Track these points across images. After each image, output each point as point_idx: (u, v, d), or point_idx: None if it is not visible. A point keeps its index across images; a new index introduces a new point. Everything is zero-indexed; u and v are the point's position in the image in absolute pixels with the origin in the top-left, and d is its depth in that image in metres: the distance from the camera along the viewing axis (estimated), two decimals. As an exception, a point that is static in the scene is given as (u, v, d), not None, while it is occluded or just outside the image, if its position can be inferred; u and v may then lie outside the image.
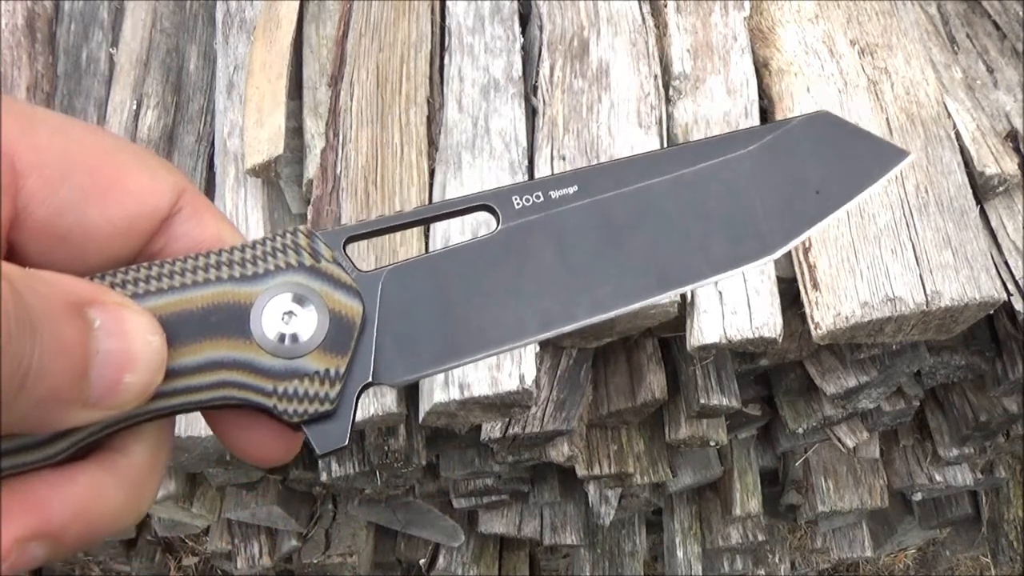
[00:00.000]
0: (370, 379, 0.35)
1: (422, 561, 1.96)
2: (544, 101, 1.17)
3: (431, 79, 1.20)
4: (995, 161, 1.16)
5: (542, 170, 1.12)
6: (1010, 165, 1.17)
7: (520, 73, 1.18)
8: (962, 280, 1.07)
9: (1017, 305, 1.15)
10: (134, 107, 1.30)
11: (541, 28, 1.22)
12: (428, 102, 1.18)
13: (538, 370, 1.04)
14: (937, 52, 1.27)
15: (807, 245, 1.10)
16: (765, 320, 1.07)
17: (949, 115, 1.19)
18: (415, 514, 1.81)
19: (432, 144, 1.16)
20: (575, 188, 0.38)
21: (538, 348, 1.05)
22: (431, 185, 1.12)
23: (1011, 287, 1.15)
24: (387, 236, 1.10)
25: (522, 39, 1.23)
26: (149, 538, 2.10)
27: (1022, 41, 1.31)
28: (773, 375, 1.57)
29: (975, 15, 1.36)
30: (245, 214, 1.20)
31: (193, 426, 1.15)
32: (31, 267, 0.28)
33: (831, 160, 0.40)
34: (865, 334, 1.10)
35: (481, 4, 1.23)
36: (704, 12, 1.25)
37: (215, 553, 1.90)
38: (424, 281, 0.36)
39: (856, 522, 2.06)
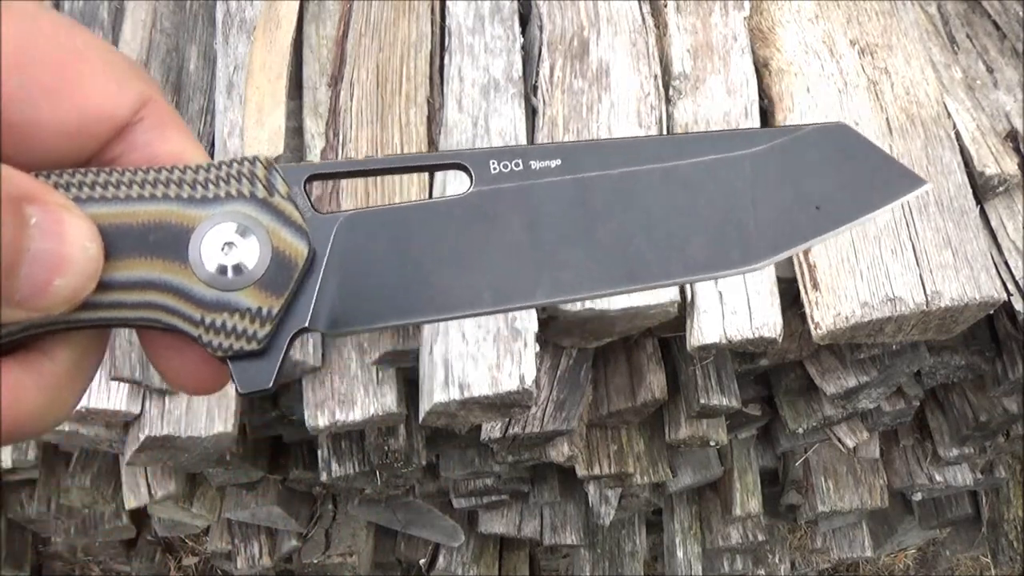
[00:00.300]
0: (307, 324, 0.33)
1: (422, 561, 1.96)
2: (544, 101, 1.17)
3: (431, 79, 1.20)
4: (995, 161, 1.16)
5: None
6: (1010, 165, 1.17)
7: (520, 73, 1.18)
8: (962, 280, 1.07)
9: (1017, 305, 1.15)
10: (134, 107, 1.30)
11: (541, 28, 1.22)
12: (428, 102, 1.18)
13: (538, 370, 1.04)
14: (937, 52, 1.27)
15: (807, 245, 1.09)
16: (765, 320, 1.07)
17: (949, 115, 1.19)
18: (415, 514, 1.81)
19: (432, 144, 1.16)
20: (558, 161, 0.36)
21: (538, 348, 1.05)
22: (431, 185, 1.12)
23: (1011, 287, 1.15)
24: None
25: (522, 39, 1.23)
26: (149, 538, 2.10)
27: (1022, 41, 1.31)
28: (773, 375, 1.57)
29: (975, 15, 1.36)
30: (245, 214, 1.20)
31: (193, 426, 1.15)
32: None
33: (839, 176, 0.37)
34: (865, 334, 1.10)
35: (481, 4, 1.23)
36: (704, 12, 1.25)
37: (215, 553, 1.90)
38: (382, 232, 0.35)
39: (856, 522, 2.06)
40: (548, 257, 0.35)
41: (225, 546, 1.83)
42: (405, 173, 0.37)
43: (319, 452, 1.43)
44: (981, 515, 2.09)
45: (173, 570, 2.21)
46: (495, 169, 0.36)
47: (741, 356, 1.43)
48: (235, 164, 0.33)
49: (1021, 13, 1.34)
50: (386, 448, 1.38)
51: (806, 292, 1.09)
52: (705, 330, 1.08)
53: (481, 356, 1.03)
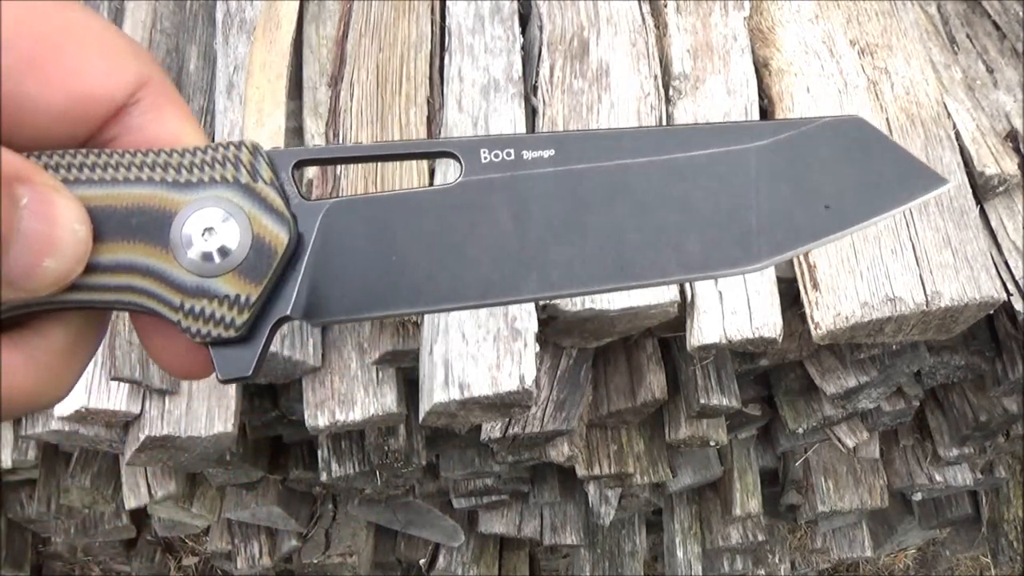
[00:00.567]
0: (288, 313, 0.33)
1: (422, 561, 1.96)
2: (544, 101, 1.17)
3: (431, 79, 1.20)
4: (995, 161, 1.16)
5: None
6: (1010, 165, 1.17)
7: (520, 73, 1.18)
8: (962, 280, 1.07)
9: (1017, 305, 1.15)
10: (134, 107, 1.30)
11: (541, 28, 1.22)
12: (428, 102, 1.18)
13: (538, 370, 1.04)
14: (937, 52, 1.27)
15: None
16: (765, 320, 1.07)
17: (949, 115, 1.19)
18: (415, 514, 1.81)
19: (432, 144, 1.16)
20: (551, 152, 0.35)
21: (538, 348, 1.05)
22: (431, 177, 1.12)
23: (1011, 287, 1.15)
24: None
25: (522, 39, 1.23)
26: (149, 538, 2.10)
27: (1022, 41, 1.31)
28: (773, 375, 1.57)
29: (975, 15, 1.36)
30: (245, 214, 1.20)
31: (193, 426, 1.15)
32: None
33: (852, 174, 0.35)
34: (865, 334, 1.10)
35: (481, 4, 1.23)
36: (704, 12, 1.25)
37: (215, 553, 1.90)
38: (369, 221, 0.34)
39: (856, 522, 2.06)
40: (538, 251, 0.34)
41: (225, 546, 1.83)
42: (394, 160, 0.36)
43: (319, 452, 1.43)
44: (981, 515, 2.09)
45: (173, 570, 2.21)
46: (486, 158, 0.35)
47: (741, 356, 1.43)
48: (220, 148, 0.32)
49: (1021, 13, 1.34)
50: (386, 448, 1.38)
51: (806, 292, 1.09)
52: (705, 330, 1.08)
53: (481, 356, 1.03)
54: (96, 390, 1.14)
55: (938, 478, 1.82)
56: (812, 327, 1.07)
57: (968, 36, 1.34)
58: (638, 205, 0.34)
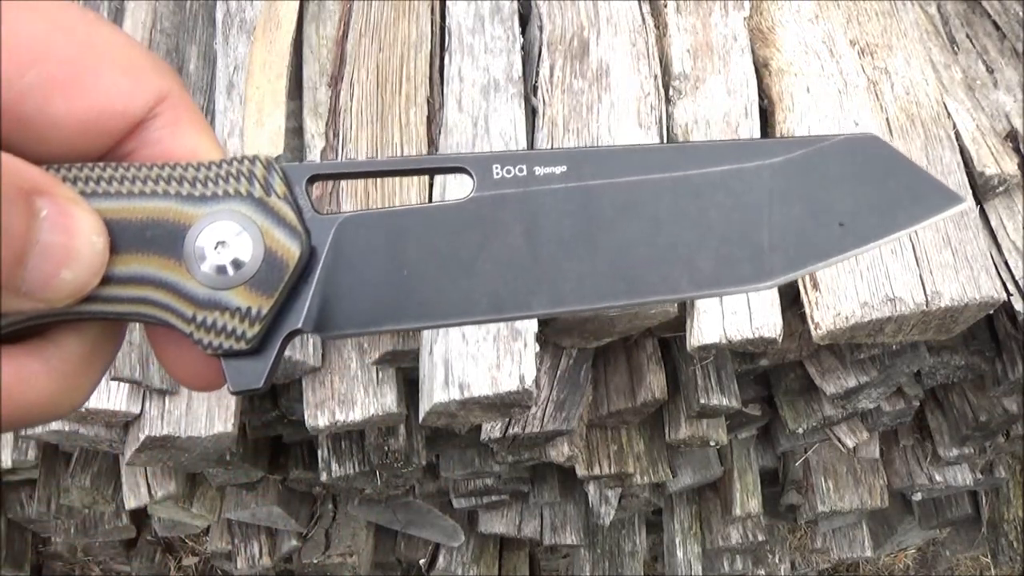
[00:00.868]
0: (300, 326, 0.33)
1: (422, 561, 1.96)
2: (544, 101, 1.17)
3: (431, 79, 1.20)
4: (995, 161, 1.16)
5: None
6: (1010, 165, 1.17)
7: (520, 73, 1.18)
8: (962, 280, 1.07)
9: (1017, 305, 1.15)
10: (134, 107, 1.30)
11: (541, 28, 1.22)
12: (428, 102, 1.18)
13: (538, 370, 1.04)
14: (937, 52, 1.27)
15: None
16: (765, 320, 1.07)
17: (949, 115, 1.19)
18: (415, 514, 1.81)
19: (432, 144, 1.16)
20: (563, 168, 0.35)
21: (538, 348, 1.05)
22: (431, 185, 1.12)
23: (1011, 287, 1.15)
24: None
25: (522, 39, 1.23)
26: (149, 538, 2.10)
27: (1022, 41, 1.31)
28: (773, 375, 1.57)
29: (975, 15, 1.36)
30: (245, 214, 1.20)
31: (193, 426, 1.15)
32: None
33: (867, 192, 0.35)
34: (865, 334, 1.10)
35: (481, 4, 1.23)
36: (704, 12, 1.25)
37: (215, 553, 1.90)
38: (380, 235, 0.34)
39: (856, 522, 2.06)
40: (548, 267, 0.34)
41: (225, 546, 1.83)
42: (408, 175, 0.36)
43: (319, 452, 1.43)
44: (981, 515, 2.10)
45: (173, 570, 2.21)
46: (498, 174, 0.35)
47: (741, 356, 1.43)
48: (235, 163, 0.33)
49: (1021, 13, 1.34)
50: (386, 448, 1.38)
51: (806, 292, 1.09)
52: (705, 330, 1.08)
53: (481, 356, 1.03)
54: (96, 390, 1.14)
55: (938, 478, 1.82)
56: (812, 327, 1.08)
57: (968, 36, 1.34)
58: (650, 221, 0.34)
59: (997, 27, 1.34)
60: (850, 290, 1.07)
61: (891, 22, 1.24)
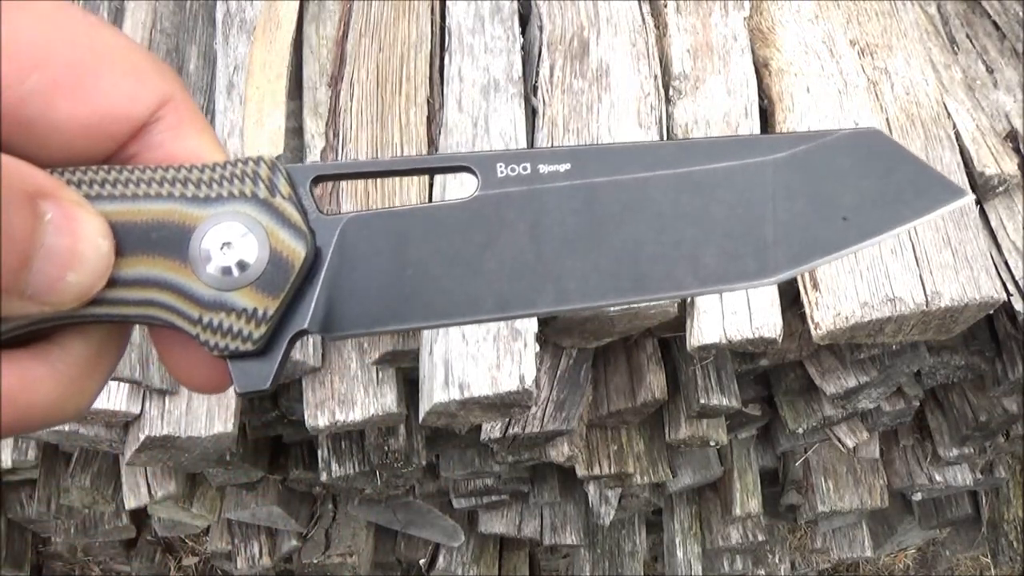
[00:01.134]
0: (306, 327, 0.33)
1: (422, 561, 1.96)
2: (544, 101, 1.17)
3: (431, 79, 1.20)
4: (995, 161, 1.16)
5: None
6: (1010, 165, 1.17)
7: (520, 73, 1.18)
8: (962, 280, 1.07)
9: (1017, 305, 1.15)
10: (134, 107, 1.30)
11: (541, 28, 1.22)
12: (428, 102, 1.18)
13: (538, 370, 1.04)
14: (937, 52, 1.27)
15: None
16: (765, 320, 1.07)
17: (949, 115, 1.19)
18: (415, 514, 1.81)
19: (432, 144, 1.16)
20: (568, 166, 0.35)
21: (538, 348, 1.05)
22: (431, 185, 1.12)
23: (1011, 287, 1.15)
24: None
25: (522, 39, 1.23)
26: (149, 538, 2.10)
27: (1022, 41, 1.31)
28: (773, 375, 1.57)
29: (975, 15, 1.36)
30: (245, 214, 1.20)
31: (193, 426, 1.15)
32: None
33: (870, 186, 0.35)
34: (865, 334, 1.10)
35: (481, 4, 1.23)
36: (704, 12, 1.25)
37: (215, 553, 1.90)
38: (385, 235, 0.34)
39: (856, 522, 2.06)
40: (554, 264, 0.34)
41: (225, 546, 1.83)
42: (412, 175, 0.36)
43: (319, 452, 1.43)
44: (981, 515, 2.10)
45: (173, 570, 2.21)
46: (502, 173, 0.35)
47: (741, 356, 1.43)
48: (239, 164, 0.33)
49: (1021, 13, 1.34)
50: (386, 448, 1.38)
51: (806, 292, 1.09)
52: (705, 330, 1.08)
53: (481, 356, 1.03)
54: (96, 390, 1.14)
55: (938, 478, 1.82)
56: (812, 327, 1.08)
57: (968, 36, 1.34)
58: (655, 218, 0.34)
59: (997, 27, 1.34)
60: (850, 290, 1.07)
61: (891, 22, 1.24)
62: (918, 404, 1.60)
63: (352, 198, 1.12)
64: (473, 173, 0.35)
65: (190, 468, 1.44)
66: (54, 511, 1.71)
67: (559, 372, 1.30)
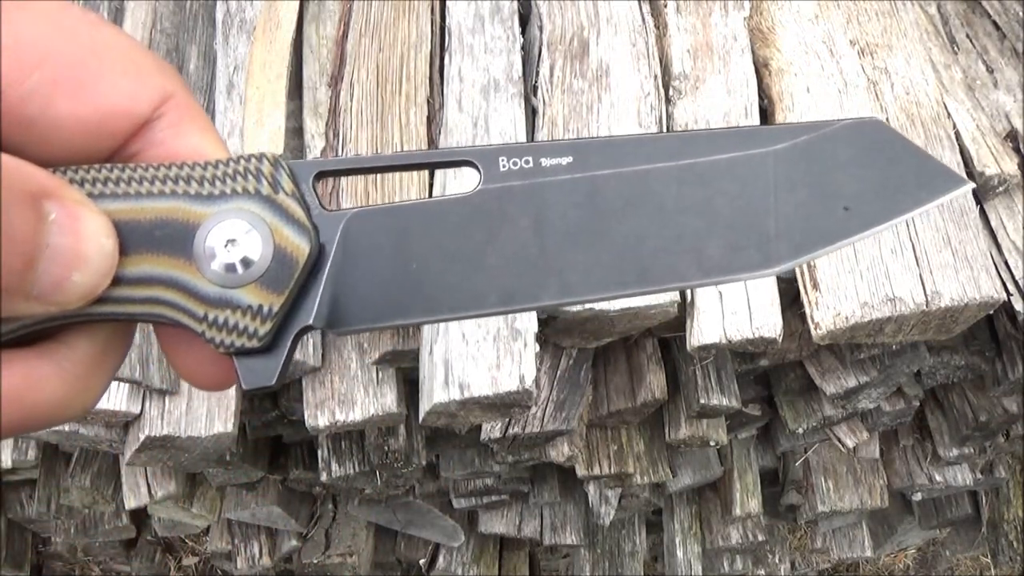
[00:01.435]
0: (311, 323, 0.33)
1: (422, 561, 1.96)
2: (544, 101, 1.17)
3: (431, 79, 1.20)
4: (995, 161, 1.16)
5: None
6: (1010, 165, 1.17)
7: (520, 73, 1.18)
8: (962, 280, 1.07)
9: (1017, 305, 1.15)
10: (134, 107, 1.30)
11: (541, 28, 1.22)
12: (428, 102, 1.18)
13: (538, 370, 1.04)
14: (937, 52, 1.27)
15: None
16: (765, 320, 1.07)
17: (949, 115, 1.19)
18: (415, 514, 1.81)
19: (432, 144, 1.16)
20: (569, 159, 0.35)
21: (538, 348, 1.05)
22: (431, 185, 1.12)
23: (1011, 287, 1.15)
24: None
25: (522, 39, 1.23)
26: (149, 538, 2.10)
27: (1022, 41, 1.31)
28: (773, 375, 1.57)
29: (975, 15, 1.36)
30: (245, 214, 1.20)
31: (193, 426, 1.15)
32: None
33: (871, 175, 0.35)
34: (865, 334, 1.10)
35: (481, 4, 1.23)
36: (704, 12, 1.25)
37: (215, 553, 1.90)
38: (388, 231, 0.34)
39: (856, 522, 2.06)
40: (557, 257, 0.34)
41: (225, 546, 1.83)
42: (414, 170, 0.36)
43: (319, 452, 1.43)
44: (981, 515, 2.09)
45: (173, 570, 2.21)
46: (504, 166, 0.35)
47: (741, 356, 1.43)
48: (242, 161, 0.33)
49: (1021, 13, 1.34)
50: (386, 448, 1.38)
51: (806, 292, 1.09)
52: (705, 330, 1.08)
53: (481, 356, 1.03)
54: (96, 390, 1.14)
55: (938, 478, 1.82)
56: (812, 327, 1.08)
57: (968, 36, 1.34)
58: (657, 210, 0.34)
59: (997, 27, 1.34)
60: (850, 290, 1.07)
61: (891, 22, 1.24)
62: (918, 404, 1.60)
63: (352, 197, 1.12)
64: (475, 167, 0.35)
65: (190, 468, 1.44)
66: (54, 511, 1.71)
67: (559, 372, 1.30)
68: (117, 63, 0.32)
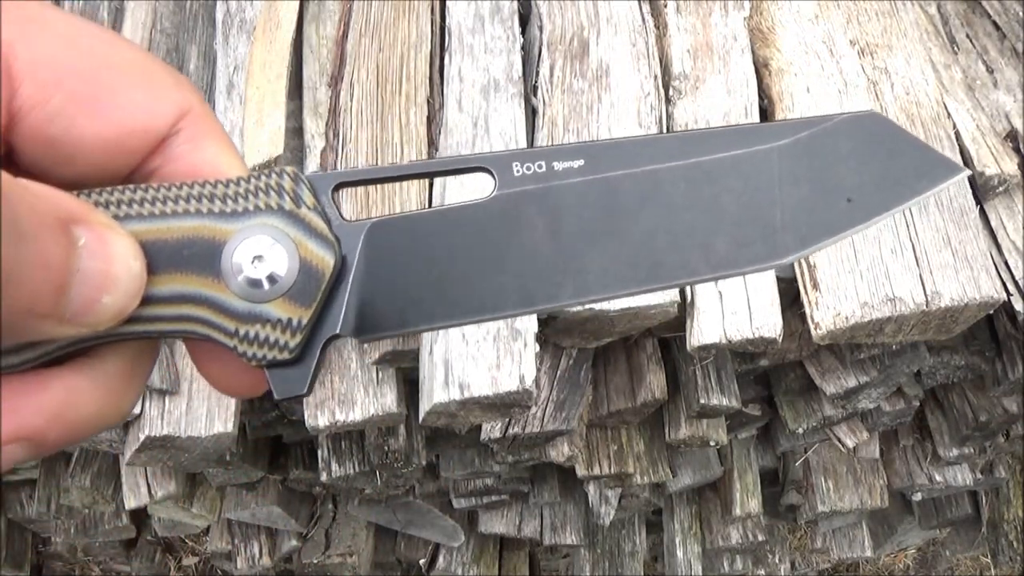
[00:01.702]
0: (338, 331, 0.34)
1: (422, 561, 1.96)
2: (544, 101, 1.17)
3: (431, 79, 1.20)
4: (995, 161, 1.16)
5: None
6: (1010, 165, 1.17)
7: (520, 73, 1.18)
8: (962, 280, 1.07)
9: (1017, 305, 1.15)
10: (134, 107, 1.30)
11: (541, 28, 1.22)
12: (428, 102, 1.18)
13: (538, 370, 1.04)
14: (937, 52, 1.27)
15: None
16: (765, 320, 1.07)
17: (949, 115, 1.19)
18: (415, 514, 1.81)
19: (432, 144, 1.16)
20: (581, 162, 0.36)
21: (538, 348, 1.05)
22: (431, 185, 1.12)
23: (1011, 287, 1.15)
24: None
25: (522, 39, 1.23)
26: (149, 538, 2.10)
27: (1022, 41, 1.31)
28: (773, 375, 1.57)
29: (975, 15, 1.36)
30: (245, 214, 1.20)
31: (193, 426, 1.15)
32: (22, 173, 0.27)
33: (872, 167, 0.36)
34: (865, 334, 1.10)
35: (481, 4, 1.23)
36: (704, 12, 1.25)
37: (215, 553, 1.90)
38: (408, 238, 0.35)
39: (856, 522, 2.06)
40: (573, 257, 0.35)
41: (225, 546, 1.83)
42: (431, 178, 0.37)
43: (319, 452, 1.43)
44: (981, 515, 2.09)
45: (173, 570, 2.21)
46: (518, 171, 0.36)
47: (741, 356, 1.43)
48: (263, 177, 0.34)
49: (1021, 13, 1.34)
50: (386, 448, 1.38)
51: (806, 292, 1.09)
52: (705, 330, 1.08)
53: (481, 356, 1.03)
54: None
55: (938, 478, 1.82)
56: (812, 327, 1.08)
57: (968, 36, 1.34)
58: (667, 208, 0.36)
59: (997, 27, 1.34)
60: (850, 290, 1.07)
61: (891, 22, 1.24)
62: (918, 404, 1.60)
63: (351, 199, 1.12)
64: (490, 173, 0.36)
65: (190, 468, 1.44)
66: (54, 511, 1.71)
67: (559, 372, 1.30)
68: (135, 79, 0.32)
